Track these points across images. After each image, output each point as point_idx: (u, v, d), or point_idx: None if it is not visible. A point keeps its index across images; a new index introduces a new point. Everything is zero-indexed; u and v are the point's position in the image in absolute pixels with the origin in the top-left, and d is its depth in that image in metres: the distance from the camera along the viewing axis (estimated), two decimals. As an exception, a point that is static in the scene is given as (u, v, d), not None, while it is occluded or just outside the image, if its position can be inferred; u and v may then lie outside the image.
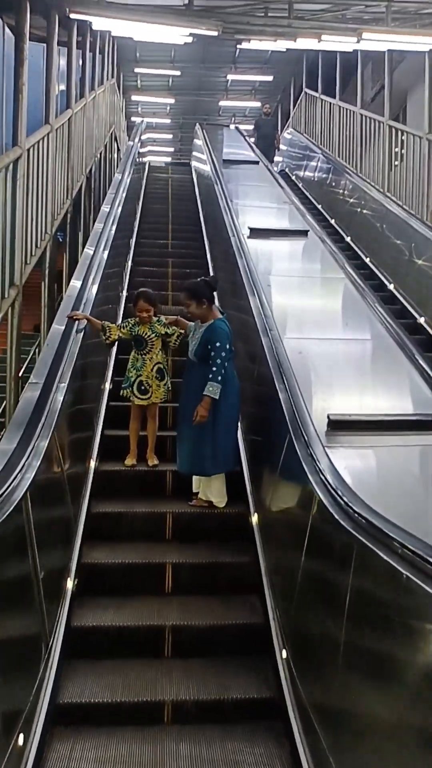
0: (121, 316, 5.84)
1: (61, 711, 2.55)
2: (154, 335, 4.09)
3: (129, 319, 4.22)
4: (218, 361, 3.65)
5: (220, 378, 3.64)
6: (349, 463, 2.65)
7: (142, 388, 4.05)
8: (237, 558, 3.46)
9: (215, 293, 3.97)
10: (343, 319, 4.99)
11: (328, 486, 2.33)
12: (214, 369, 3.64)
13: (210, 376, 3.64)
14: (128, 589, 3.26)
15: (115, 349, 4.80)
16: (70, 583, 3.02)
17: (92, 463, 3.98)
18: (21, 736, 2.10)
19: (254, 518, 3.56)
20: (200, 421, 3.64)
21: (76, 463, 3.60)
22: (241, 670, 2.80)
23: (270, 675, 2.75)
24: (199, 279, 4.01)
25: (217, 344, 3.68)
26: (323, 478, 2.42)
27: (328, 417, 3.00)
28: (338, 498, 2.20)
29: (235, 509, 3.77)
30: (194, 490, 3.86)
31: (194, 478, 3.86)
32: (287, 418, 3.11)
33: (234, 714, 2.63)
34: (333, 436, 2.92)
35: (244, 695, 2.68)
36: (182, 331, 4.14)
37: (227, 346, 3.72)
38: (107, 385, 4.79)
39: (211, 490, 3.78)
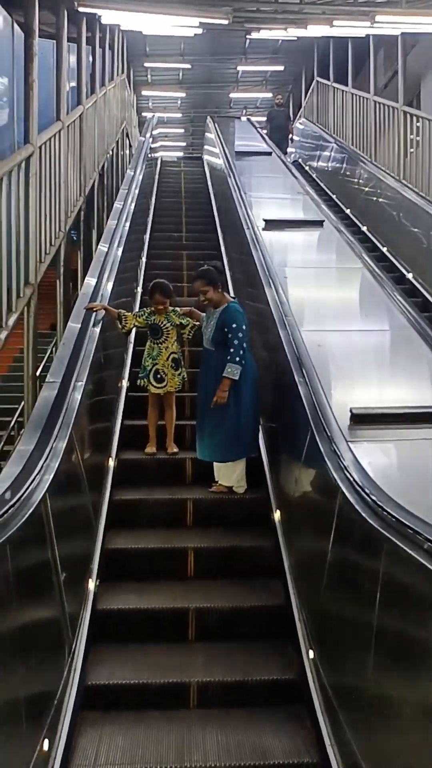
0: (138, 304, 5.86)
1: (90, 693, 2.59)
2: (169, 324, 4.17)
3: (145, 308, 4.32)
4: (235, 342, 3.66)
5: (238, 359, 3.65)
6: (374, 458, 2.58)
7: (159, 376, 4.12)
8: (257, 542, 3.47)
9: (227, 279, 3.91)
10: (362, 310, 4.90)
11: (354, 483, 2.27)
12: (232, 350, 3.66)
13: (228, 357, 3.66)
14: (151, 573, 3.31)
15: (132, 340, 4.88)
16: (95, 569, 3.07)
17: (113, 453, 4.04)
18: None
19: (276, 514, 3.51)
20: (220, 403, 3.65)
21: (96, 454, 3.66)
22: (264, 651, 2.84)
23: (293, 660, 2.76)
24: (207, 266, 4.01)
25: (233, 325, 3.70)
26: (348, 474, 2.36)
27: (350, 411, 2.93)
28: (365, 495, 2.13)
29: (255, 495, 3.77)
30: (216, 478, 3.85)
31: (215, 464, 3.86)
32: (308, 412, 3.05)
33: (257, 694, 2.67)
34: (356, 431, 2.86)
35: (267, 676, 2.70)
36: (196, 323, 4.17)
37: (243, 327, 3.73)
38: (126, 375, 4.84)
39: (231, 475, 3.79)
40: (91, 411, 3.60)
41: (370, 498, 2.12)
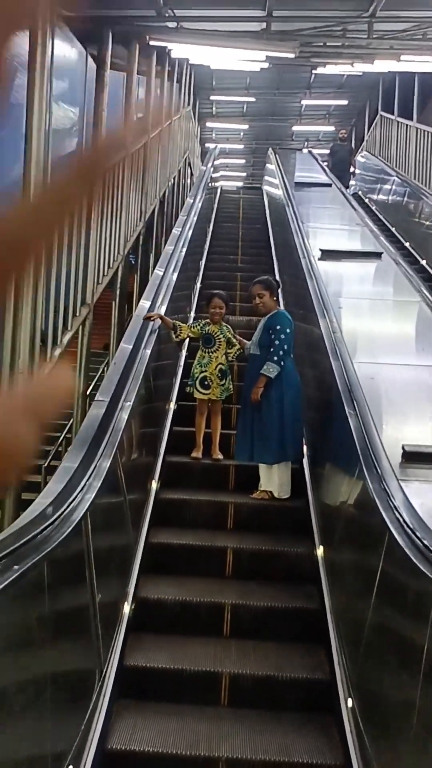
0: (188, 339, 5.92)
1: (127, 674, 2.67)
2: (222, 336, 4.39)
3: (200, 320, 4.65)
4: (277, 342, 3.83)
5: (276, 358, 3.81)
6: (426, 499, 2.45)
7: (205, 383, 4.31)
8: (295, 548, 3.53)
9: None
10: (418, 344, 4.76)
11: (404, 524, 2.15)
12: (272, 350, 3.84)
13: (268, 356, 3.83)
14: (191, 569, 3.40)
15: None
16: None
17: (160, 455, 4.22)
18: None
19: (319, 551, 3.39)
20: (255, 399, 3.80)
21: (143, 456, 3.91)
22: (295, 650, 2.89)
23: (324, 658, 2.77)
24: (266, 275, 4.34)
25: (278, 327, 3.90)
26: (398, 515, 2.24)
27: (402, 448, 2.82)
28: (415, 539, 2.01)
29: (296, 504, 3.83)
30: (261, 483, 3.91)
31: (260, 468, 3.91)
32: (358, 446, 2.94)
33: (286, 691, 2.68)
34: (407, 469, 2.74)
35: (297, 675, 2.73)
36: (242, 350, 4.36)
37: (287, 330, 3.91)
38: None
39: (273, 481, 3.84)
40: (141, 419, 3.81)
41: (422, 542, 2.00)
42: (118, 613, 2.89)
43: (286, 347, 3.85)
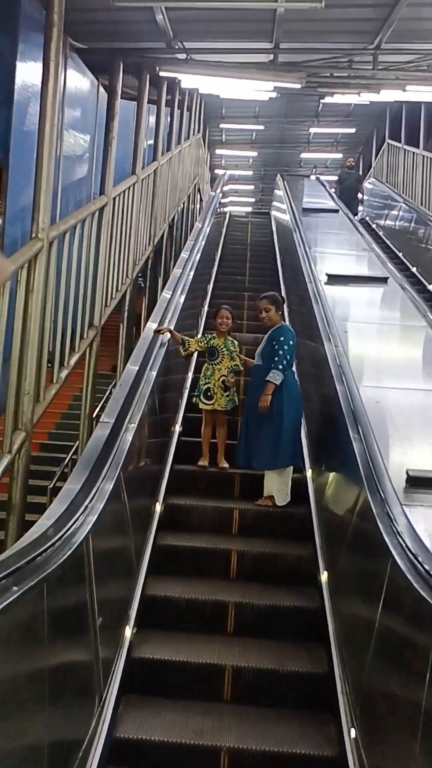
0: (194, 360, 5.97)
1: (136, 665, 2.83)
2: (225, 349, 4.61)
3: (206, 335, 4.91)
4: (281, 352, 4.07)
5: (281, 367, 4.04)
6: (430, 524, 2.43)
7: (209, 394, 4.53)
8: (297, 551, 3.67)
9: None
10: (424, 369, 4.76)
11: (406, 549, 2.13)
12: (276, 359, 4.05)
13: (272, 365, 4.04)
14: (197, 571, 3.53)
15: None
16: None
17: (168, 463, 4.40)
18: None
19: (323, 576, 3.35)
20: (263, 406, 3.98)
21: (154, 463, 4.13)
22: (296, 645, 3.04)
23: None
24: (272, 292, 4.58)
25: (281, 338, 4.12)
26: (401, 540, 2.22)
27: (406, 472, 2.80)
28: (417, 564, 1.99)
29: (297, 509, 3.99)
30: (264, 489, 4.07)
31: (264, 480, 4.07)
32: (361, 470, 2.93)
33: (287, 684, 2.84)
34: (412, 494, 2.71)
35: (297, 668, 2.87)
36: (242, 369, 4.61)
37: (291, 342, 4.13)
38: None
39: (273, 484, 4.02)
40: (150, 428, 4.01)
41: (423, 567, 1.98)
42: (119, 638, 2.86)
43: (288, 358, 4.08)
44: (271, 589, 3.41)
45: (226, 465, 4.41)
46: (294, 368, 4.29)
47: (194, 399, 4.62)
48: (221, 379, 4.50)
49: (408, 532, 2.28)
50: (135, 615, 3.05)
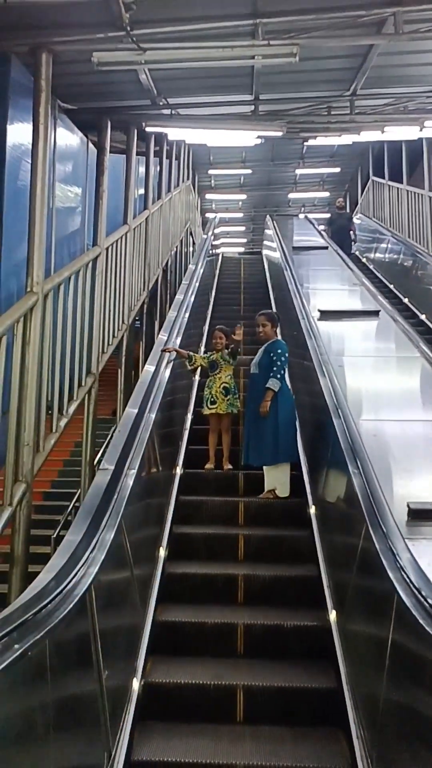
0: (194, 395, 6.18)
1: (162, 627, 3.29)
2: (222, 361, 5.37)
3: (207, 353, 5.66)
4: (278, 363, 4.71)
5: (279, 376, 4.67)
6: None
7: (212, 400, 5.23)
8: (296, 532, 4.17)
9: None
10: (420, 399, 4.78)
11: (411, 585, 2.12)
12: (275, 369, 4.68)
13: (271, 374, 4.65)
14: (209, 554, 4.02)
15: (188, 427, 5.71)
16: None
17: (178, 469, 4.95)
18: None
19: (332, 615, 3.30)
20: (264, 411, 4.56)
21: (164, 469, 4.55)
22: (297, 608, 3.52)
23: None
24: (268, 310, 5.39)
25: (278, 351, 4.78)
26: (405, 575, 2.21)
27: (407, 505, 2.79)
28: (422, 599, 1.98)
29: (296, 499, 4.53)
30: (265, 484, 4.62)
31: (264, 471, 4.63)
32: (363, 505, 2.93)
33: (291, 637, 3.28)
34: (414, 527, 2.71)
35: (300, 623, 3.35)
36: (233, 362, 5.29)
37: (286, 355, 4.79)
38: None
39: (273, 479, 4.57)
40: (161, 434, 4.47)
41: (428, 602, 1.97)
42: (127, 692, 2.81)
43: (284, 369, 4.71)
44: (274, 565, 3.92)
45: (230, 467, 5.05)
46: (286, 377, 4.89)
47: (202, 409, 5.27)
48: (222, 386, 5.20)
49: (411, 567, 2.27)
50: (142, 665, 3.00)
